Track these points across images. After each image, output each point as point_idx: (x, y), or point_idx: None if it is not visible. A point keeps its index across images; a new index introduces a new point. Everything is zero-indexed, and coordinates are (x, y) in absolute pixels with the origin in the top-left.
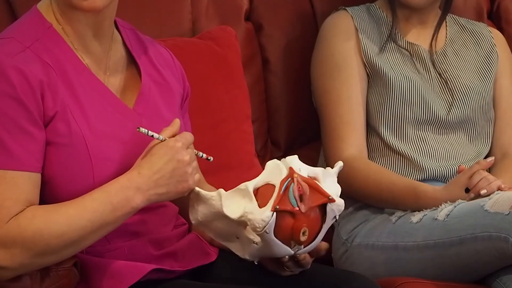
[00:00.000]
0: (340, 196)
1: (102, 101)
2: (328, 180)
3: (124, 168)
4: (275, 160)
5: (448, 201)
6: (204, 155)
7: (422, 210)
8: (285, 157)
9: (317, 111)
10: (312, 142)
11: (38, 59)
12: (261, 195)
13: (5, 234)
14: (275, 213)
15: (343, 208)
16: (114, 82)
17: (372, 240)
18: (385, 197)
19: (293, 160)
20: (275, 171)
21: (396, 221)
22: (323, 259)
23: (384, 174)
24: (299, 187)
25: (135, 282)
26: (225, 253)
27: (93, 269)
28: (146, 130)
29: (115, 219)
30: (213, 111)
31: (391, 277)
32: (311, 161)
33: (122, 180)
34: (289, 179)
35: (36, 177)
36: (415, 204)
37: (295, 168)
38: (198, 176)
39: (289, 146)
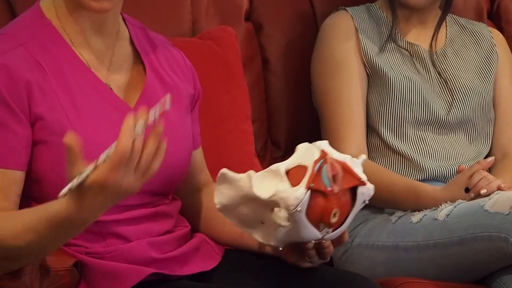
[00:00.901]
0: None
1: (100, 99)
2: (356, 168)
3: None
4: (306, 143)
5: (448, 201)
6: (158, 106)
7: (422, 210)
8: (284, 158)
9: (317, 111)
10: (312, 142)
11: (30, 58)
12: (293, 175)
13: None
14: (309, 191)
15: (373, 193)
16: (117, 79)
17: (372, 240)
18: (385, 197)
19: (323, 144)
20: (307, 153)
21: (396, 221)
22: None
23: (384, 174)
24: (332, 168)
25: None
26: (227, 253)
27: (93, 270)
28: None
29: (70, 235)
30: (213, 111)
31: (391, 277)
32: None
33: (66, 212)
34: (322, 160)
35: (14, 174)
36: (415, 204)
37: (327, 151)
38: (148, 174)
39: (289, 146)
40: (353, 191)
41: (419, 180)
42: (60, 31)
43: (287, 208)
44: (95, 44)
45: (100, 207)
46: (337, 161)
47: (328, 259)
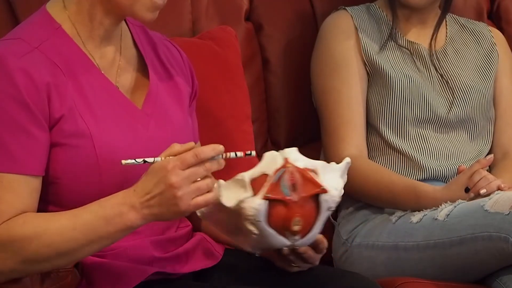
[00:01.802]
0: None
1: (111, 101)
2: (329, 174)
3: (130, 169)
4: (273, 151)
5: (448, 201)
6: (239, 154)
7: (422, 210)
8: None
9: (317, 111)
10: (312, 142)
11: (47, 60)
12: (257, 184)
13: None
14: (266, 201)
15: (338, 200)
16: (124, 81)
17: (372, 240)
18: (385, 197)
19: (291, 152)
20: (271, 161)
21: (396, 221)
22: (323, 259)
23: (384, 174)
24: (291, 177)
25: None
26: (228, 253)
27: (94, 270)
28: (132, 161)
29: (109, 234)
30: (213, 111)
31: (391, 277)
32: None
33: (119, 195)
34: (283, 169)
35: (35, 181)
36: (415, 204)
37: (291, 159)
38: (201, 199)
39: (289, 146)
40: (317, 198)
41: (419, 180)
42: (71, 35)
43: (247, 219)
44: (106, 48)
45: (148, 194)
46: (297, 169)
47: (317, 263)
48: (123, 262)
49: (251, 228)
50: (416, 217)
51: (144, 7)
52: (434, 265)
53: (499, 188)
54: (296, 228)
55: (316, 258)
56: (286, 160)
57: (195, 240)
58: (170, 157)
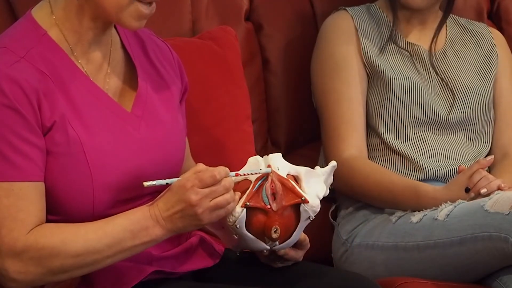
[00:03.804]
0: (341, 196)
1: (100, 106)
2: (312, 181)
3: (123, 173)
4: (257, 156)
5: (448, 201)
6: (254, 170)
7: (422, 210)
8: (284, 158)
9: (317, 111)
10: (312, 142)
11: (34, 68)
12: (239, 188)
13: (23, 248)
14: (245, 209)
15: (318, 209)
16: (113, 84)
17: (372, 240)
18: (385, 197)
19: (274, 158)
20: (254, 167)
21: (396, 221)
22: (323, 259)
23: (384, 174)
24: (272, 186)
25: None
26: (229, 252)
27: (94, 270)
28: (154, 182)
29: (133, 247)
30: (213, 111)
31: (391, 277)
32: (311, 161)
33: (145, 209)
34: (265, 177)
35: (41, 186)
36: (415, 204)
37: (273, 167)
38: (221, 211)
39: (289, 146)
40: (297, 206)
41: (419, 180)
42: (58, 41)
43: (227, 223)
44: (94, 53)
45: (170, 210)
46: (279, 178)
47: (300, 259)
48: (122, 262)
49: (232, 230)
50: (416, 217)
51: (130, 16)
52: (434, 265)
53: (499, 188)
54: (275, 235)
55: (299, 255)
56: (268, 167)
57: (194, 239)
58: (189, 176)
